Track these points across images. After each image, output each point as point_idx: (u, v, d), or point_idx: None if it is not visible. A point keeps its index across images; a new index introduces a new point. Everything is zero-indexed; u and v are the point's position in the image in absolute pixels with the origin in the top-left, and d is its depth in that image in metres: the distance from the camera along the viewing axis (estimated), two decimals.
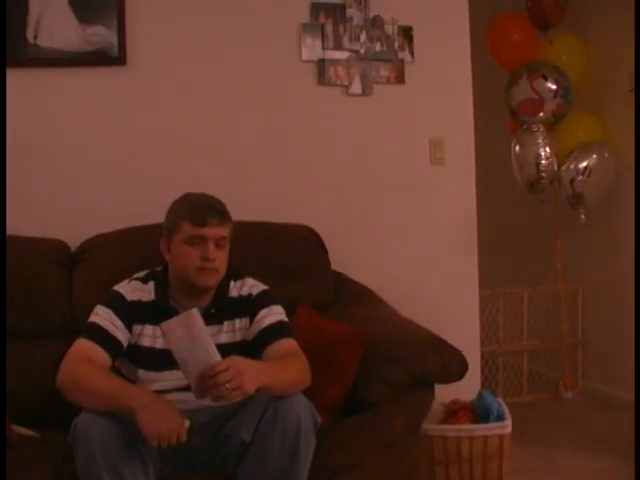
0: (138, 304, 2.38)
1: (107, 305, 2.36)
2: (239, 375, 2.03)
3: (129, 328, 2.35)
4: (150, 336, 2.37)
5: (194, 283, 2.34)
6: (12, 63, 2.99)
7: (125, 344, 2.35)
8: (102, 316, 2.33)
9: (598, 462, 3.46)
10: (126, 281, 2.44)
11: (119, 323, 2.33)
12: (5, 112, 2.95)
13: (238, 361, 2.08)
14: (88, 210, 3.06)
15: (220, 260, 2.36)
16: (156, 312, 2.37)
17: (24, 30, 2.99)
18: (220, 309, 2.41)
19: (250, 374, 2.06)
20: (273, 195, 3.26)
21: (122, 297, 2.38)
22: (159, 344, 2.36)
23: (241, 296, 2.44)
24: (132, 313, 2.36)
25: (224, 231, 2.36)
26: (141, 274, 2.46)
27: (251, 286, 2.47)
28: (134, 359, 2.38)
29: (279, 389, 2.16)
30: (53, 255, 2.84)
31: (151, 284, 2.42)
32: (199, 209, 2.34)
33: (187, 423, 2.07)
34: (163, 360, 2.34)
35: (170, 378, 2.34)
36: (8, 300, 2.66)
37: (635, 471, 2.76)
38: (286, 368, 2.23)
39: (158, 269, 2.46)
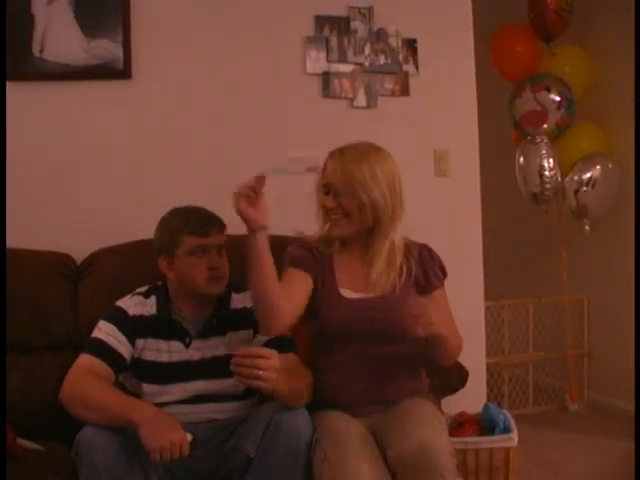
0: (140, 318, 2.39)
1: (110, 320, 2.38)
2: (275, 371, 2.06)
3: (132, 342, 2.36)
4: (153, 350, 2.38)
5: (204, 293, 2.37)
6: (18, 77, 3.00)
7: (128, 358, 2.36)
8: (105, 331, 2.35)
9: (605, 474, 3.45)
10: (128, 296, 2.45)
11: (122, 338, 2.35)
12: (5, 120, 2.95)
13: (279, 359, 2.10)
14: (94, 223, 3.06)
15: (224, 266, 2.41)
16: (159, 326, 2.39)
17: (30, 44, 3.00)
18: (222, 320, 2.43)
19: (280, 376, 2.09)
20: (276, 208, 3.25)
21: (124, 312, 2.39)
22: (163, 358, 2.38)
23: (245, 308, 2.45)
24: (135, 327, 2.37)
25: (223, 238, 2.42)
26: (142, 289, 2.48)
27: None
28: (138, 373, 2.39)
29: (288, 397, 2.17)
30: (59, 268, 2.84)
31: (152, 298, 2.44)
32: (198, 220, 2.38)
33: (190, 437, 2.07)
34: (166, 373, 2.36)
35: (174, 391, 2.35)
36: (12, 313, 2.66)
37: (635, 472, 2.77)
38: (297, 379, 2.25)
39: (159, 284, 2.48)
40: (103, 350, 2.32)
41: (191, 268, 2.36)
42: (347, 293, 2.40)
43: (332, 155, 2.41)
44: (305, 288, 2.37)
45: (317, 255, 2.43)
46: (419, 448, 2.08)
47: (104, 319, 2.39)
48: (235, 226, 2.48)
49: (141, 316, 2.40)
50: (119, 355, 2.33)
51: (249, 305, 2.45)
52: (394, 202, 2.36)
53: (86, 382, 2.22)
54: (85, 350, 2.33)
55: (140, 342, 2.38)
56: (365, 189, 2.31)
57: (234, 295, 2.47)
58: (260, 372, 2.04)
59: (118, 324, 2.36)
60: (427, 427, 2.17)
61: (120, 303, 2.43)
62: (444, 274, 2.52)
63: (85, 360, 2.30)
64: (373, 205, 2.33)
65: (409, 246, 2.48)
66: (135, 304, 2.42)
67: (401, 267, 2.42)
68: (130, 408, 2.12)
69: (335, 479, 2.06)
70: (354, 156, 2.37)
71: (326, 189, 2.39)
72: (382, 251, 2.37)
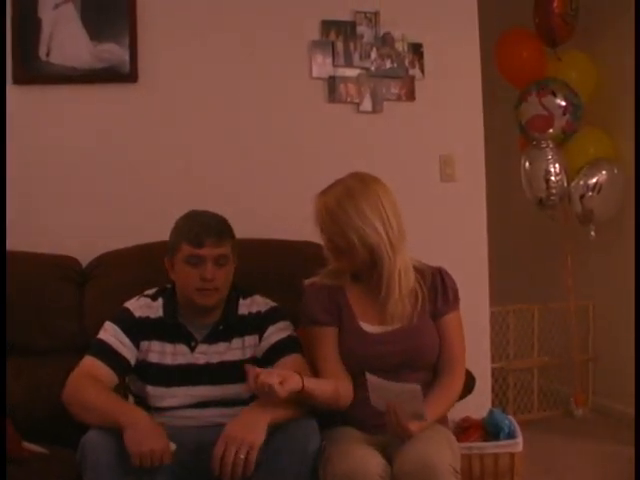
0: (146, 321, 2.40)
1: (115, 322, 2.39)
2: (241, 443, 2.06)
3: (136, 345, 2.38)
4: (158, 352, 2.39)
5: (195, 303, 2.36)
6: (24, 79, 3.01)
7: (132, 361, 2.37)
8: (110, 333, 2.37)
9: (609, 479, 3.44)
10: (136, 298, 2.46)
11: (126, 340, 2.36)
12: (5, 121, 2.95)
13: (231, 430, 2.10)
14: (99, 226, 3.07)
15: (220, 279, 2.36)
16: (164, 328, 2.39)
17: (37, 47, 3.01)
18: (229, 326, 2.42)
19: (248, 430, 2.10)
20: (283, 212, 3.26)
21: (130, 314, 2.41)
22: (168, 360, 2.38)
23: (250, 314, 2.45)
24: (140, 330, 2.38)
25: (223, 250, 2.36)
26: (151, 291, 2.48)
27: (260, 303, 2.48)
28: (142, 375, 2.40)
29: (286, 418, 2.18)
30: (64, 271, 2.84)
31: (160, 301, 2.44)
32: (196, 230, 2.34)
33: (173, 446, 2.10)
34: (171, 376, 2.37)
35: (178, 394, 2.36)
36: (18, 315, 2.67)
37: (635, 472, 2.77)
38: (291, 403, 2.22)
39: (168, 286, 2.48)
40: (106, 352, 2.34)
41: (184, 276, 2.35)
42: (367, 327, 2.41)
43: (318, 196, 2.40)
44: (336, 341, 2.41)
45: (330, 295, 2.44)
46: (420, 464, 2.09)
47: (110, 320, 2.41)
48: (244, 230, 2.48)
49: (147, 318, 2.40)
50: (122, 358, 2.35)
51: (255, 310, 2.45)
52: (390, 233, 2.35)
53: (84, 383, 2.25)
54: (89, 351, 2.36)
55: (145, 344, 2.39)
56: (354, 229, 2.30)
57: (241, 301, 2.47)
58: (240, 457, 2.06)
59: (123, 326, 2.38)
60: (431, 445, 2.16)
61: (127, 304, 2.44)
62: (456, 299, 2.50)
63: (88, 362, 2.33)
64: (365, 242, 2.32)
65: (422, 271, 2.47)
66: (141, 306, 2.43)
67: (415, 294, 2.41)
68: (119, 410, 2.14)
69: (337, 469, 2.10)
70: (339, 195, 2.35)
71: (320, 229, 2.41)
72: (394, 282, 2.36)
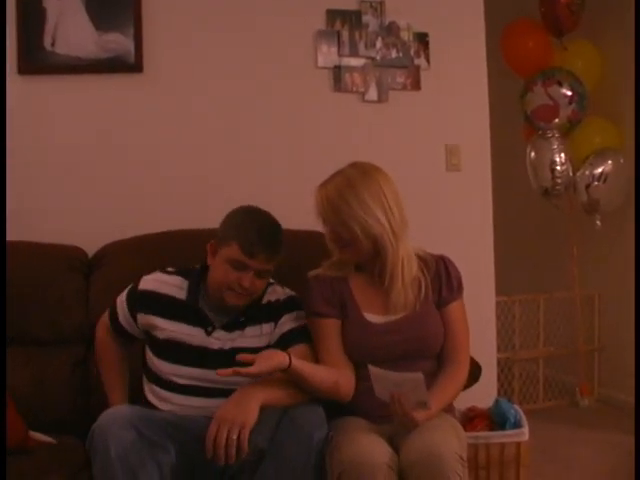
0: (151, 295, 2.41)
1: (127, 293, 2.46)
2: (232, 423, 2.08)
3: (134, 318, 2.42)
4: (163, 329, 2.38)
5: (223, 299, 2.34)
6: (29, 70, 3.02)
7: (138, 335, 2.46)
8: (121, 301, 2.46)
9: (614, 469, 3.44)
10: (158, 271, 2.48)
11: (128, 316, 2.43)
12: (5, 113, 2.95)
13: (222, 411, 2.12)
14: (105, 217, 3.07)
15: (256, 287, 2.34)
16: (176, 307, 2.39)
17: (42, 37, 3.02)
18: (251, 315, 2.40)
19: (240, 410, 2.11)
20: (289, 201, 3.25)
21: (135, 287, 2.44)
22: (178, 338, 2.37)
23: (270, 302, 2.44)
24: (136, 302, 2.42)
25: (270, 266, 2.33)
26: (172, 268, 2.48)
27: (279, 292, 2.47)
28: (150, 346, 2.43)
29: (281, 401, 2.19)
30: (70, 261, 2.84)
31: (178, 279, 2.43)
32: (252, 238, 2.29)
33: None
34: (180, 354, 2.36)
35: (184, 374, 2.35)
36: (23, 306, 2.68)
37: (635, 469, 2.76)
38: (287, 385, 2.23)
39: (197, 267, 2.45)
40: (116, 324, 2.47)
41: (222, 272, 2.31)
42: (371, 317, 2.41)
43: (319, 188, 2.39)
44: (338, 333, 2.40)
45: (333, 287, 2.44)
46: (426, 452, 2.09)
47: (127, 289, 2.47)
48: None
49: (152, 292, 2.41)
50: (127, 332, 2.47)
51: (274, 299, 2.44)
52: (392, 222, 2.34)
53: (105, 347, 2.52)
54: (110, 311, 2.49)
55: (142, 317, 2.40)
56: (356, 219, 2.30)
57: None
58: (232, 438, 2.07)
59: (127, 299, 2.45)
60: (438, 434, 2.16)
61: (144, 277, 2.46)
62: (460, 288, 2.50)
63: (105, 321, 2.51)
64: (368, 233, 2.31)
65: (425, 260, 2.47)
66: (153, 279, 2.44)
67: (418, 282, 2.41)
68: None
69: (343, 456, 2.10)
70: (339, 186, 2.34)
71: (322, 220, 2.40)
72: (397, 271, 2.36)
